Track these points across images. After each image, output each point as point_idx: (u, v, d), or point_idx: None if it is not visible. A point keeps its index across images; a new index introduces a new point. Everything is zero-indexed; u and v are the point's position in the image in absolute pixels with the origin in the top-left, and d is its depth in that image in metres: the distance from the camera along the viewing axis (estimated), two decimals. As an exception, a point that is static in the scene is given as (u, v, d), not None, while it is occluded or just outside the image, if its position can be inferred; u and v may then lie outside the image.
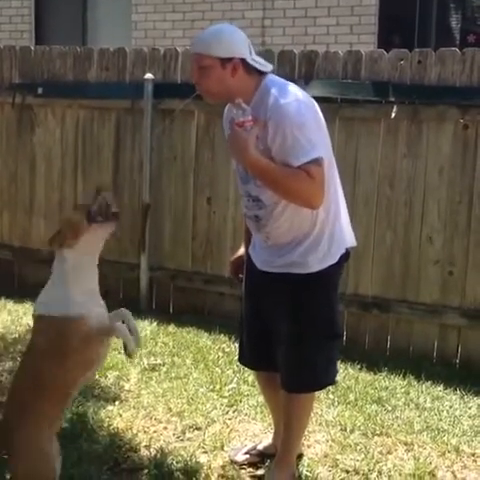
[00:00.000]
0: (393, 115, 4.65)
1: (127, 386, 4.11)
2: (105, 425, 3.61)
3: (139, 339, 2.82)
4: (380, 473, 3.26)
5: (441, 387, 4.22)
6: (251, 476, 3.23)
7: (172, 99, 5.18)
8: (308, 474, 3.22)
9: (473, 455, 3.47)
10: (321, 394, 3.82)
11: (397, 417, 3.83)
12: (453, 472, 3.32)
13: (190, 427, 3.64)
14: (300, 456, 3.32)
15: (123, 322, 2.74)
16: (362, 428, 3.66)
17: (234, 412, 3.82)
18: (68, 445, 3.16)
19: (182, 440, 3.52)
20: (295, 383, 3.02)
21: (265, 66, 2.86)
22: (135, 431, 3.57)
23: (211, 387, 4.09)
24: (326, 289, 2.99)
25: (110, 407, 3.81)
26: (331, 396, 3.99)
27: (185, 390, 4.05)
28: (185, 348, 4.71)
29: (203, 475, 3.19)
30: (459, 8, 9.08)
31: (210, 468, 3.25)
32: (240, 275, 3.26)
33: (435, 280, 4.70)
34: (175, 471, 3.20)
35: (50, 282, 2.75)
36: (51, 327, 2.69)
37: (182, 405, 3.87)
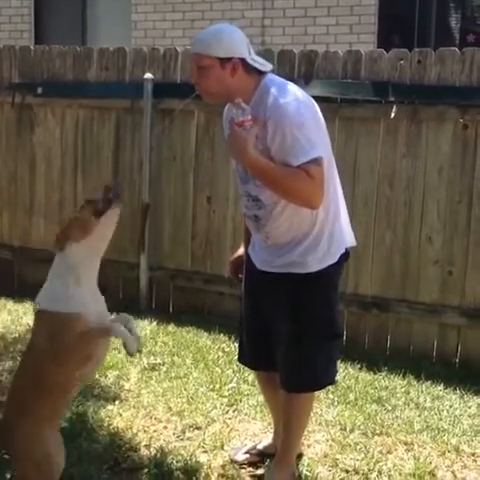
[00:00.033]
0: (393, 115, 4.65)
1: (127, 385, 4.11)
2: (105, 424, 3.61)
3: (140, 342, 2.81)
4: (380, 473, 3.26)
5: (441, 386, 4.22)
6: (251, 475, 3.24)
7: (172, 99, 5.17)
8: (308, 474, 3.23)
9: (473, 455, 3.47)
10: (321, 394, 3.82)
11: (397, 417, 3.83)
12: (453, 472, 3.32)
13: (190, 426, 3.64)
14: (300, 456, 3.33)
15: (125, 326, 2.74)
16: (362, 428, 3.66)
17: (234, 411, 3.82)
18: (68, 444, 3.13)
19: (182, 439, 3.53)
20: (295, 383, 3.02)
21: (264, 66, 2.87)
22: (135, 430, 3.58)
23: (211, 387, 4.09)
24: (326, 289, 2.99)
25: (110, 406, 3.82)
26: (331, 396, 3.99)
27: (185, 389, 4.05)
28: (185, 348, 4.71)
29: (203, 474, 3.19)
30: (459, 8, 9.09)
31: (210, 467, 3.25)
32: (240, 275, 3.26)
33: (435, 280, 4.70)
34: (175, 470, 3.20)
35: (51, 277, 2.74)
36: (49, 323, 2.69)
37: (182, 404, 3.87)
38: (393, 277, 4.81)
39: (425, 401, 4.04)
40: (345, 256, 2.99)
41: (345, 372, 4.32)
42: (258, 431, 3.64)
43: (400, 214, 4.77)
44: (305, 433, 3.34)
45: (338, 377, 3.49)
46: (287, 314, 2.95)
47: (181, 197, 5.46)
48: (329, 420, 3.74)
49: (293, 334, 2.95)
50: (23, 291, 5.53)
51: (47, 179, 5.93)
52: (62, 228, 2.74)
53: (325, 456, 3.40)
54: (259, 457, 3.32)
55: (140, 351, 2.97)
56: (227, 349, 4.65)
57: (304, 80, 4.77)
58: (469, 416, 3.88)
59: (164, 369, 4.34)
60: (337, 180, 2.99)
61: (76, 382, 2.76)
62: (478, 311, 4.59)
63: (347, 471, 3.27)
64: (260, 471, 3.25)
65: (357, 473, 3.25)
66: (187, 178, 5.42)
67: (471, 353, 4.62)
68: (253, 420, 3.74)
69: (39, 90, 5.79)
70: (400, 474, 3.25)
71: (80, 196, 5.67)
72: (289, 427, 3.10)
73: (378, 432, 3.64)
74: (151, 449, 3.40)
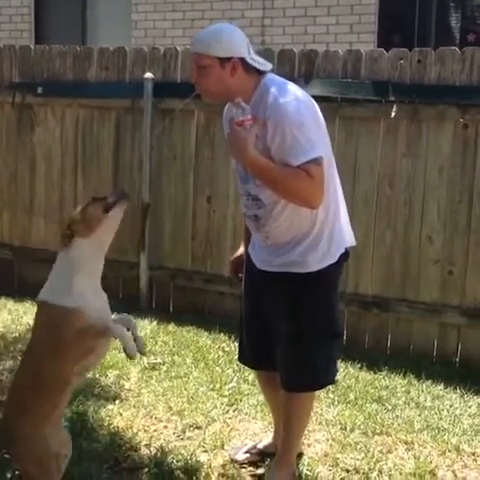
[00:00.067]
0: (393, 114, 4.65)
1: (127, 385, 4.11)
2: (105, 424, 3.61)
3: (142, 344, 2.79)
4: (380, 472, 3.26)
5: (441, 386, 4.22)
6: (251, 475, 3.24)
7: (172, 98, 5.17)
8: (308, 473, 3.23)
9: (473, 454, 3.47)
10: (321, 393, 3.82)
11: (397, 416, 3.83)
12: (453, 471, 3.32)
13: (190, 426, 3.64)
14: (300, 455, 3.33)
15: (128, 329, 2.73)
16: (362, 427, 3.66)
17: (234, 411, 3.82)
18: (68, 444, 3.17)
19: (182, 439, 3.53)
20: (295, 382, 3.02)
21: (264, 65, 2.86)
22: (135, 430, 3.58)
23: (211, 386, 4.09)
24: (326, 288, 2.99)
25: (110, 406, 3.82)
26: (331, 395, 3.99)
27: (185, 389, 4.05)
28: (185, 347, 4.71)
29: (203, 474, 3.19)
30: (459, 7, 9.08)
31: (210, 467, 3.25)
32: (240, 274, 3.26)
33: (435, 279, 4.70)
34: (175, 470, 3.20)
35: (55, 270, 2.74)
36: (49, 316, 2.70)
37: (182, 404, 3.87)
38: (393, 277, 4.81)
39: (425, 400, 4.04)
40: (345, 256, 2.99)
41: (345, 371, 4.33)
42: (258, 430, 3.64)
43: (400, 214, 4.77)
44: (305, 432, 3.34)
45: (338, 377, 3.49)
46: (287, 313, 2.95)
47: (181, 197, 5.46)
48: (329, 419, 3.74)
49: (293, 333, 2.95)
50: (23, 291, 5.53)
51: (47, 179, 5.93)
52: (68, 223, 2.74)
53: (325, 455, 3.40)
54: (259, 456, 3.32)
55: (143, 354, 2.97)
56: (227, 349, 4.65)
57: (304, 79, 4.77)
58: (469, 415, 3.88)
59: (164, 369, 4.34)
60: (337, 180, 2.99)
61: (75, 377, 2.76)
62: (478, 311, 4.59)
63: (347, 470, 3.27)
64: (260, 470, 3.25)
65: (357, 472, 3.25)
66: (187, 178, 5.42)
67: (471, 353, 4.62)
68: (253, 419, 3.74)
69: (39, 90, 5.79)
70: (400, 473, 3.25)
71: (80, 196, 5.68)
72: (289, 426, 3.10)
73: (378, 431, 3.64)
74: (151, 448, 3.40)
